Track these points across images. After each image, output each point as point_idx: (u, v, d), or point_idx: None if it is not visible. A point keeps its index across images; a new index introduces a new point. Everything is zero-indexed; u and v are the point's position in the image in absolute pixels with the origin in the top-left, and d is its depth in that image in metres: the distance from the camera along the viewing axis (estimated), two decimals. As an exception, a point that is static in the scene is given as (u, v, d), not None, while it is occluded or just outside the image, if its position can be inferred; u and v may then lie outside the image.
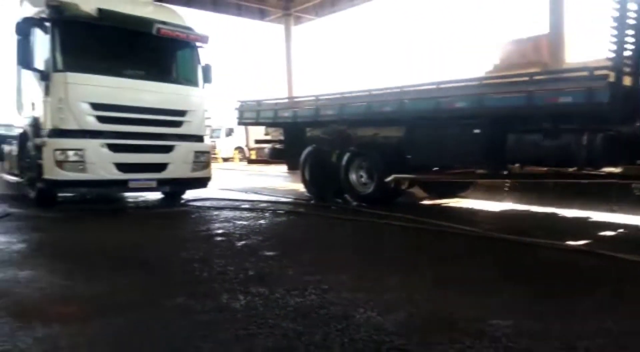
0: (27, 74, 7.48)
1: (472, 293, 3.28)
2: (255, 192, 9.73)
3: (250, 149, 24.41)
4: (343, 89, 8.26)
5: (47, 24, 6.81)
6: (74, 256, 4.41)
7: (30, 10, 7.42)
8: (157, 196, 8.87)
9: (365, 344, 2.43)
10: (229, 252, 4.51)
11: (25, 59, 6.86)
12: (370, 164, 7.73)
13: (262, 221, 6.31)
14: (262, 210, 7.34)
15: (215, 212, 7.10)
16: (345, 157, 7.92)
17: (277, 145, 10.01)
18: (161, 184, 7.57)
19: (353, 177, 7.92)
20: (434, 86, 6.81)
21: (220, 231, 5.56)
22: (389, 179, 7.36)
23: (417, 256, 4.47)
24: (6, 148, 9.01)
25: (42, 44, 6.96)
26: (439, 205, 7.99)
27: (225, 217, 6.59)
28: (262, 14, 21.62)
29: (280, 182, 12.76)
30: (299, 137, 9.17)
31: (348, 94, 8.08)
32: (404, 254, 4.58)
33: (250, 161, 22.61)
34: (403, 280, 3.57)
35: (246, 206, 7.80)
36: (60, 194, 7.67)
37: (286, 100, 10.22)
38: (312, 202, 8.20)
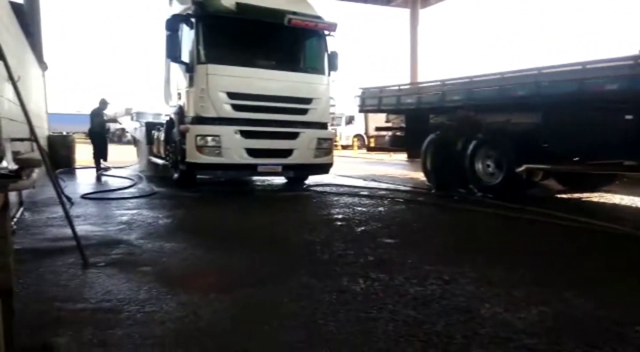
0: (174, 67, 8.30)
1: (613, 296, 2.95)
2: (374, 180, 9.75)
3: (369, 137, 24.42)
4: (470, 73, 7.85)
5: (192, 19, 7.47)
6: (211, 232, 4.83)
7: (178, 8, 8.24)
8: (281, 180, 9.30)
9: (490, 339, 2.32)
10: (348, 236, 4.60)
11: (173, 52, 7.59)
12: (499, 152, 7.27)
13: (380, 208, 6.31)
14: (381, 197, 7.33)
15: (335, 198, 7.26)
16: (472, 145, 7.55)
17: (398, 133, 9.87)
18: (286, 169, 7.94)
19: (479, 166, 7.53)
20: (579, 67, 6.12)
21: (340, 216, 5.68)
22: (520, 169, 6.85)
23: (551, 253, 4.12)
24: (155, 134, 10.16)
25: (187, 38, 7.66)
26: (578, 199, 7.26)
27: (345, 203, 6.71)
28: (388, -1, 21.36)
29: (399, 170, 12.63)
30: (421, 124, 8.94)
31: (477, 78, 7.65)
32: (534, 249, 4.26)
33: (370, 149, 22.59)
34: (533, 277, 3.32)
35: (365, 193, 7.86)
36: (198, 176, 8.42)
37: (410, 86, 10.02)
38: (433, 191, 7.98)
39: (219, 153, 7.35)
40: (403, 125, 9.87)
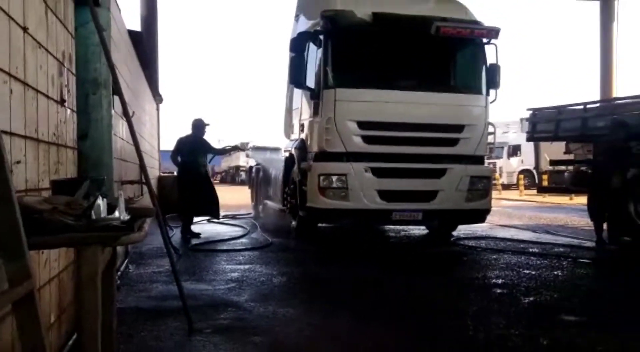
0: (297, 94, 8.86)
1: None
2: (548, 232, 9.31)
3: (541, 173, 23.35)
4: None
5: (321, 36, 7.84)
6: (333, 297, 4.93)
7: (305, 25, 8.83)
8: (421, 230, 9.24)
9: None
10: (512, 309, 4.41)
11: (297, 77, 8.02)
12: None
13: (557, 272, 5.96)
14: (558, 257, 6.90)
15: (494, 256, 7.02)
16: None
17: (583, 168, 9.27)
18: (428, 217, 7.86)
19: None
20: None
21: (499, 281, 5.49)
22: None
23: None
24: (273, 173, 10.76)
25: (314, 60, 8.09)
26: None
27: (507, 263, 6.46)
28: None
29: (584, 218, 11.69)
30: (617, 155, 8.28)
31: None
32: None
33: (542, 189, 21.50)
34: None
35: (535, 249, 7.51)
36: (320, 225, 8.70)
37: (601, 104, 9.49)
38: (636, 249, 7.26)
39: (345, 196, 7.54)
40: (590, 157, 9.29)
